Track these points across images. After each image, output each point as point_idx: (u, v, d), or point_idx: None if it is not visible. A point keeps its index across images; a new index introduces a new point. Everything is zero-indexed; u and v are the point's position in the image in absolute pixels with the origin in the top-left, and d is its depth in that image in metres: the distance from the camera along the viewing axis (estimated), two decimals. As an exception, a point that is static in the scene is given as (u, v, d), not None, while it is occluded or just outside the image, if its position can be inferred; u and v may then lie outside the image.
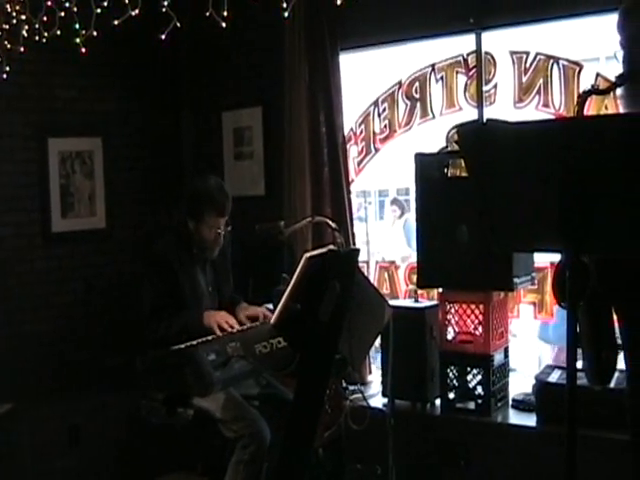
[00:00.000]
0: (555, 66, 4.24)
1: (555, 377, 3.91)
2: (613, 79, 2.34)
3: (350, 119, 4.97)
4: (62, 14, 4.08)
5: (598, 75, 4.09)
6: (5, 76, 4.45)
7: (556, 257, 4.13)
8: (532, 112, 4.30)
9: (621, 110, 2.62)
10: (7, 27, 4.27)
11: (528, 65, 4.33)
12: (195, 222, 3.82)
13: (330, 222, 3.48)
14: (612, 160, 1.87)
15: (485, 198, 2.14)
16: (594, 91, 2.34)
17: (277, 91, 4.94)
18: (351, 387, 4.05)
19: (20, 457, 4.51)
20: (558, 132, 2.00)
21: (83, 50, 4.06)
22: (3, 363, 4.77)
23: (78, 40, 4.03)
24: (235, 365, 3.10)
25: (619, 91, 2.46)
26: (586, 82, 4.15)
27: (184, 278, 3.81)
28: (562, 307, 2.13)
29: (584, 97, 2.22)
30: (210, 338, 3.36)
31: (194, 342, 3.25)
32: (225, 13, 3.63)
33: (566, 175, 1.91)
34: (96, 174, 5.28)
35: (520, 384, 4.36)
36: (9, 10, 4.22)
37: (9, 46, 4.33)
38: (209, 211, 3.79)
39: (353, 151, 5.02)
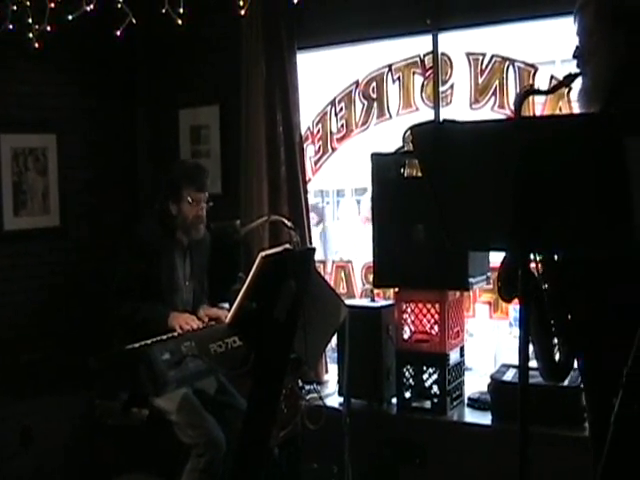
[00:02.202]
0: (511, 68, 4.28)
1: (510, 376, 3.95)
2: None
3: (307, 118, 4.97)
4: (14, 8, 4.02)
5: (552, 77, 4.13)
6: (-44, 71, 4.37)
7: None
8: (488, 113, 4.34)
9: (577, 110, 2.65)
10: (-42, 21, 4.19)
11: (484, 66, 4.37)
12: (176, 203, 3.81)
13: (286, 221, 3.48)
14: (559, 160, 1.90)
15: (439, 197, 2.15)
16: (532, 91, 2.36)
17: (234, 89, 4.92)
18: (307, 386, 4.05)
19: (-30, 459, 4.44)
20: (510, 131, 2.02)
21: (36, 45, 4.00)
22: (-47, 364, 4.69)
23: (31, 35, 3.98)
24: (190, 364, 3.08)
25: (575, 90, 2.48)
26: (541, 84, 4.20)
27: (163, 266, 3.79)
28: (505, 301, 2.17)
29: (522, 97, 2.24)
30: (165, 337, 3.33)
31: (148, 341, 3.22)
32: (181, 10, 3.61)
33: (518, 175, 1.93)
34: (50, 171, 5.20)
35: (476, 383, 4.40)
36: (-40, 4, 4.15)
37: (-40, 40, 4.25)
38: (187, 187, 3.80)
39: (310, 150, 5.02)
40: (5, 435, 4.59)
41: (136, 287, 3.70)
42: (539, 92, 2.51)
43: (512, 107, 4.22)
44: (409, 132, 4.37)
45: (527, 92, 2.25)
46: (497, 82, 4.33)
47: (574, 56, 2.40)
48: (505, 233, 2.05)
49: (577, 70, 2.46)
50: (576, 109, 3.95)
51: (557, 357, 2.48)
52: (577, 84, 2.48)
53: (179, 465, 3.70)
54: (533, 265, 2.33)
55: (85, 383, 4.73)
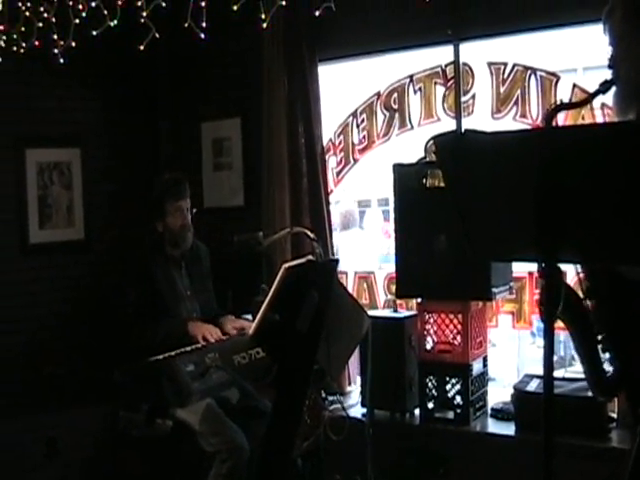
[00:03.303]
0: (532, 77, 4.27)
1: (534, 386, 3.92)
2: (590, 90, 2.33)
3: (329, 130, 4.98)
4: (40, 24, 4.08)
5: (575, 86, 4.13)
6: (-18, 86, 4.43)
7: (534, 266, 4.17)
8: (510, 123, 4.33)
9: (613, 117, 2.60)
10: (-16, 37, 4.25)
11: (506, 76, 4.36)
12: (161, 219, 3.89)
13: (309, 232, 3.48)
14: (586, 170, 1.89)
15: (462, 207, 2.15)
16: (563, 106, 2.27)
17: (256, 102, 4.94)
18: (330, 397, 4.05)
19: (-3, 470, 4.47)
20: (533, 142, 2.01)
21: (61, 60, 4.05)
22: (-21, 375, 4.73)
23: (56, 50, 4.03)
24: (213, 375, 3.10)
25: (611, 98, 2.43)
26: (563, 93, 4.19)
27: (161, 280, 3.85)
28: (547, 324, 2.09)
29: (553, 113, 2.16)
30: (189, 349, 3.35)
31: (172, 353, 3.24)
32: (204, 24, 3.63)
33: (541, 185, 1.93)
34: (74, 185, 5.26)
35: (499, 393, 4.38)
36: (-14, 20, 4.21)
37: (-14, 56, 4.31)
38: (167, 199, 3.89)
39: (332, 162, 5.03)
40: (30, 447, 4.63)
41: (146, 310, 3.76)
42: (570, 106, 2.39)
43: (540, 122, 4.22)
44: (431, 142, 4.38)
45: (558, 107, 2.13)
46: (519, 91, 4.32)
47: (609, 66, 2.37)
48: (528, 243, 2.04)
49: (607, 78, 2.42)
50: (599, 118, 3.99)
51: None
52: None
53: (203, 475, 3.71)
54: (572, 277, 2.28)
55: (109, 395, 4.77)
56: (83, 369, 5.16)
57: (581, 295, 2.31)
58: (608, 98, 2.37)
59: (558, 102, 2.26)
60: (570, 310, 2.21)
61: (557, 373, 4.02)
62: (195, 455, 3.80)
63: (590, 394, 3.54)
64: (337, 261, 3.41)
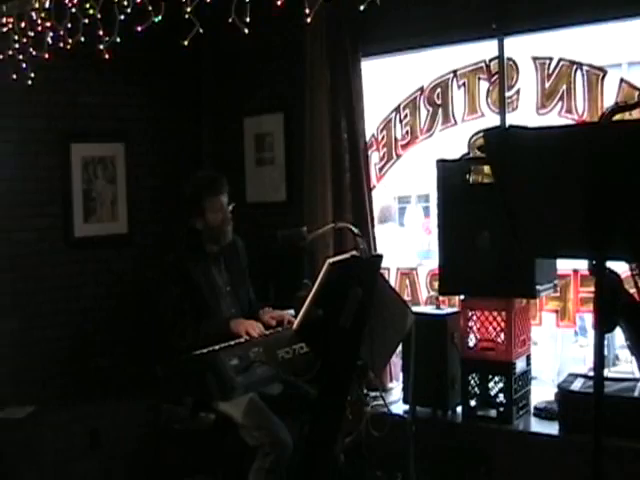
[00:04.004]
0: (578, 72, 4.22)
1: (578, 385, 3.87)
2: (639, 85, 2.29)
3: (372, 125, 4.97)
4: (86, 21, 4.11)
5: (622, 81, 4.06)
6: (30, 82, 4.48)
7: (580, 264, 4.12)
8: (555, 118, 4.28)
9: None
10: (32, 34, 4.31)
11: (551, 71, 4.31)
12: (201, 216, 3.85)
13: (353, 228, 3.47)
14: (636, 165, 1.85)
15: (510, 203, 2.13)
16: (623, 107, 2.19)
17: (299, 97, 4.95)
18: (372, 393, 4.04)
19: (41, 460, 4.54)
20: (583, 137, 1.99)
21: (106, 56, 4.08)
22: (25, 367, 4.81)
23: (101, 46, 4.06)
24: (257, 370, 3.10)
25: None
26: (609, 88, 4.12)
27: (201, 279, 3.83)
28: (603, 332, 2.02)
29: (611, 115, 2.08)
30: (232, 343, 3.36)
31: (216, 347, 3.25)
32: (247, 19, 3.63)
33: (590, 181, 1.90)
34: (118, 179, 5.32)
35: (542, 392, 4.33)
36: (34, 17, 4.26)
37: (34, 53, 4.36)
38: (207, 195, 3.84)
39: (374, 157, 5.02)
40: (74, 437, 4.69)
41: (186, 309, 3.75)
42: (630, 107, 2.29)
43: (587, 118, 4.16)
44: (475, 138, 4.35)
45: (616, 109, 2.06)
46: (564, 86, 4.26)
47: None
48: (577, 239, 2.02)
49: None
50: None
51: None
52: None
53: (245, 468, 3.72)
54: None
55: (152, 388, 4.82)
56: (127, 362, 5.22)
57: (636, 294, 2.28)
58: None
59: (615, 104, 2.20)
60: (625, 309, 2.18)
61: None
62: (238, 449, 3.81)
63: (637, 394, 3.49)
64: (381, 257, 3.38)
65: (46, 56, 4.32)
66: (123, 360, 5.24)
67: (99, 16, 4.04)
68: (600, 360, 1.99)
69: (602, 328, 2.00)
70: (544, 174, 2.03)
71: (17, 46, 4.38)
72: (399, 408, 4.31)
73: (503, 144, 2.08)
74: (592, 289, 4.13)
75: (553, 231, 2.12)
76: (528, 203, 2.10)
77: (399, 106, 4.89)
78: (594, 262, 2.02)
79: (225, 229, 3.90)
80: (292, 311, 3.80)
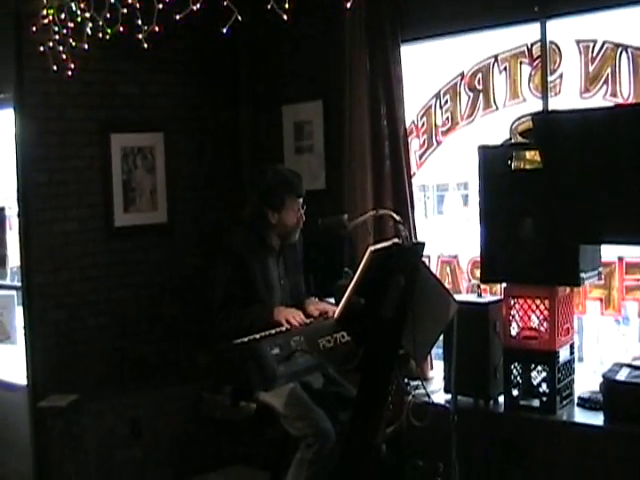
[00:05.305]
0: (624, 54, 4.12)
1: (624, 375, 3.80)
2: None
3: (412, 112, 4.91)
4: (125, 10, 4.11)
5: (670, 64, 3.97)
6: (70, 73, 4.50)
7: (624, 251, 4.05)
8: (599, 102, 4.19)
9: None
10: (72, 25, 4.32)
11: (595, 54, 4.21)
12: (278, 212, 3.84)
13: (394, 215, 3.43)
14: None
15: (558, 187, 2.09)
16: None
17: (338, 84, 4.91)
18: (413, 383, 4.01)
19: (83, 448, 4.59)
20: (630, 117, 1.94)
21: (145, 46, 4.08)
22: (67, 356, 4.86)
23: (140, 36, 4.06)
24: (299, 359, 3.09)
25: None
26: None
27: (257, 270, 3.82)
28: None
29: None
30: (274, 332, 3.35)
31: (257, 336, 3.24)
32: (286, 6, 3.60)
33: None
34: (157, 169, 5.34)
35: (586, 381, 4.26)
36: (73, 8, 4.27)
37: (74, 44, 4.38)
38: (290, 195, 3.85)
39: (415, 144, 4.97)
40: (115, 426, 4.74)
41: (236, 294, 3.75)
42: None
43: (624, 96, 4.09)
44: (517, 123, 4.29)
45: None
46: (609, 70, 4.17)
47: None
48: (623, 224, 1.97)
49: None
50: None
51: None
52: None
53: (285, 457, 3.72)
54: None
55: (193, 376, 4.85)
56: (168, 351, 5.26)
57: None
58: None
59: None
60: None
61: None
62: (279, 438, 3.81)
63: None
64: (423, 245, 3.35)
65: (85, 47, 4.33)
66: (164, 349, 5.27)
67: (138, 5, 4.04)
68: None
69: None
70: (592, 157, 1.99)
71: (57, 37, 4.40)
72: (440, 397, 4.27)
73: (551, 127, 2.04)
74: (638, 277, 4.11)
75: (602, 215, 2.08)
76: (576, 186, 2.05)
77: (439, 92, 4.83)
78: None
79: (295, 231, 3.91)
80: (332, 299, 3.79)
